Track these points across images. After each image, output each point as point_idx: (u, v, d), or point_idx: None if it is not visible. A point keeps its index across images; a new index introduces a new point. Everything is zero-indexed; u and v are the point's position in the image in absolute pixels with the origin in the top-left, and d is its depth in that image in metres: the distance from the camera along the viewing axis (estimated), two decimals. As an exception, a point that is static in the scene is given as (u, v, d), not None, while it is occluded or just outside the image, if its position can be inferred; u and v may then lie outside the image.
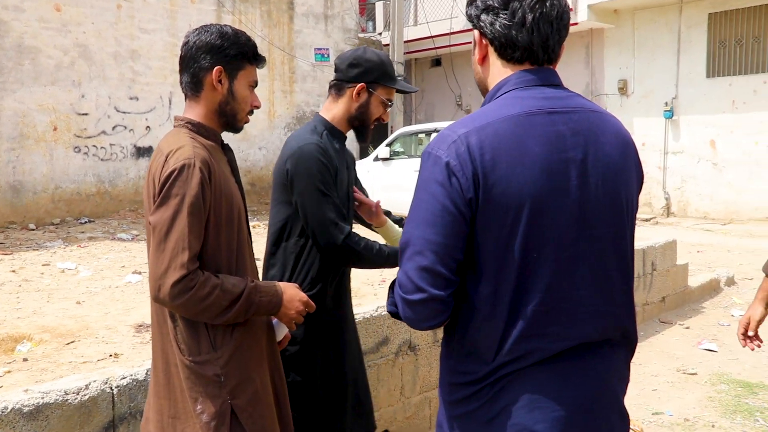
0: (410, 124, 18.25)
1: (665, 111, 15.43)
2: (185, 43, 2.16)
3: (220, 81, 2.13)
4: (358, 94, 2.67)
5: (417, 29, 18.59)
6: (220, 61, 2.12)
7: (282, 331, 2.31)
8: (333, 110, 2.73)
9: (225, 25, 2.19)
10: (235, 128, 2.23)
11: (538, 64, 1.69)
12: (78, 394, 2.61)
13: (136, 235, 10.59)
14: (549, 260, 1.59)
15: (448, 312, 1.64)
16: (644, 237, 9.25)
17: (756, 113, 13.78)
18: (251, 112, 2.25)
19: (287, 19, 15.40)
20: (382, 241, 2.80)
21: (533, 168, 1.56)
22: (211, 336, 2.05)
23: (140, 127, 12.82)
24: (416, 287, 1.60)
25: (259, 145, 14.88)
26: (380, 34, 20.14)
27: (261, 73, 12.59)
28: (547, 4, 1.65)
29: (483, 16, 1.69)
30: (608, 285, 1.66)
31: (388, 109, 2.75)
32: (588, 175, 1.61)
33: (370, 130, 2.76)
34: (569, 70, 17.08)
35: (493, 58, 1.72)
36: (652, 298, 6.78)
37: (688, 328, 6.58)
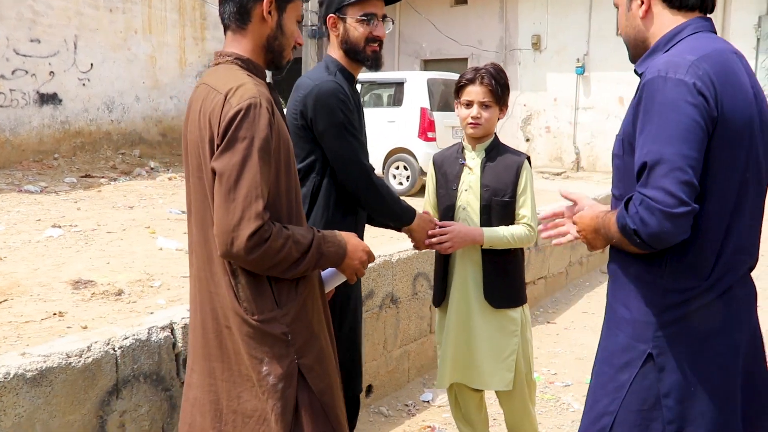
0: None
1: (577, 67, 15.78)
2: None
3: (270, 12, 1.93)
4: (334, 26, 2.60)
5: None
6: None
7: (333, 283, 2.14)
8: (332, 50, 2.66)
9: None
10: (280, 66, 2.04)
11: (705, 12, 1.89)
12: (81, 356, 2.36)
13: (45, 187, 9.95)
14: (753, 182, 1.82)
15: None
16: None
17: (662, 71, 14.36)
18: (294, 48, 2.06)
19: (198, -40, 14.66)
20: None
21: (746, 97, 1.79)
22: (275, 292, 1.87)
23: (43, 72, 11.92)
24: (679, 201, 1.65)
25: (171, 94, 14.19)
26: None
27: (171, 18, 11.92)
28: None
29: None
30: (761, 214, 1.92)
31: (384, 23, 2.63)
32: (761, 112, 1.84)
33: (371, 54, 2.62)
34: (484, 23, 17.16)
35: (660, 9, 1.88)
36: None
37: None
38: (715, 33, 1.89)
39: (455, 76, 12.65)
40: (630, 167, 1.82)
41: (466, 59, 17.51)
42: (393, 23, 2.69)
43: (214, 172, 1.78)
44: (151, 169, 12.46)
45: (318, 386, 1.91)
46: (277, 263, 1.79)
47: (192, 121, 1.89)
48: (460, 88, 2.94)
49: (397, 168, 11.71)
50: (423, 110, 11.38)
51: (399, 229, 2.74)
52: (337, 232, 2.01)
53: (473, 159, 2.95)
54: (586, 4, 15.62)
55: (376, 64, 2.63)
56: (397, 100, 11.89)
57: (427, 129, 11.43)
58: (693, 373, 1.80)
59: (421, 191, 11.83)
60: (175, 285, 5.33)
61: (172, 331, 2.67)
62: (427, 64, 18.03)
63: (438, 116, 11.48)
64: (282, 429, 1.83)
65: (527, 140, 16.82)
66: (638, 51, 1.95)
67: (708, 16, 1.90)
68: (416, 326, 4.29)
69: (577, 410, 3.96)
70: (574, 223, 2.04)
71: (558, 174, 15.51)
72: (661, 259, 1.80)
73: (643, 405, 1.83)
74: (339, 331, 2.62)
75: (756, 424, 1.91)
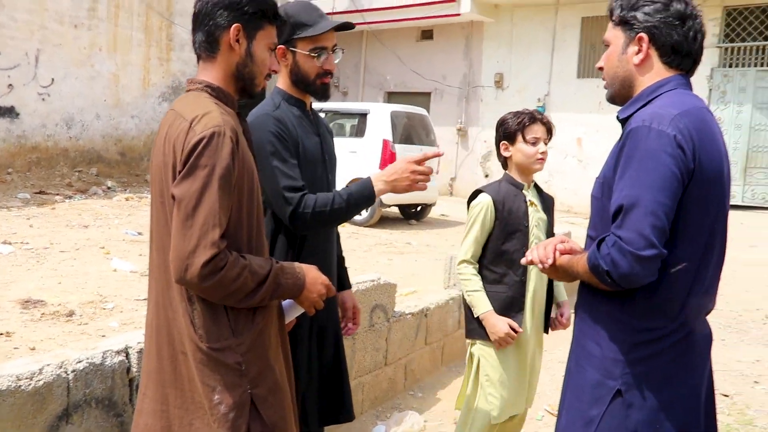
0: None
1: (538, 106, 16.03)
2: None
3: (237, 40, 1.95)
4: (283, 57, 2.52)
5: (298, 6, 18.25)
6: (238, 19, 1.94)
7: (292, 314, 2.14)
8: (280, 79, 2.60)
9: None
10: (251, 94, 2.05)
11: (687, 71, 2.02)
12: (31, 379, 2.30)
13: (-3, 202, 9.74)
14: (720, 231, 1.95)
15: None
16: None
17: (619, 115, 14.70)
18: (269, 77, 2.07)
19: (167, -18, 14.63)
20: None
21: (719, 153, 1.91)
22: (231, 321, 1.87)
23: (1, 85, 11.74)
24: (649, 243, 1.76)
25: (132, 114, 14.06)
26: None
27: (137, 37, 11.93)
28: (704, 27, 2.00)
29: (659, 26, 1.95)
30: (723, 262, 2.03)
31: (334, 55, 2.57)
32: (728, 165, 1.98)
33: (320, 86, 2.56)
34: (448, 59, 17.41)
35: (654, 61, 1.98)
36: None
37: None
38: (692, 91, 2.01)
39: (419, 110, 12.81)
40: (608, 209, 1.89)
41: (429, 93, 17.73)
42: (343, 52, 2.67)
43: (174, 198, 1.79)
44: (108, 188, 12.30)
45: (271, 417, 1.90)
46: (231, 292, 1.79)
47: (158, 146, 1.89)
48: (523, 127, 3.06)
49: (358, 198, 11.72)
50: (385, 142, 11.47)
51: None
52: (296, 264, 2.02)
53: (534, 196, 3.13)
54: (549, 46, 15.97)
55: (324, 95, 2.59)
56: (359, 131, 11.96)
57: (388, 161, 11.50)
58: (659, 411, 1.88)
59: (380, 222, 11.88)
60: (129, 308, 5.26)
61: (127, 355, 2.63)
62: (391, 97, 18.19)
63: (400, 149, 11.57)
64: None
65: (486, 176, 17.03)
66: (622, 91, 2.04)
67: (689, 74, 2.02)
68: (372, 358, 4.29)
69: (528, 448, 3.98)
70: (529, 262, 2.12)
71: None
72: (633, 299, 1.89)
73: None
74: (321, 360, 2.64)
75: None
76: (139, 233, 8.35)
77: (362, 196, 2.44)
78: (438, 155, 2.54)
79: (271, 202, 2.44)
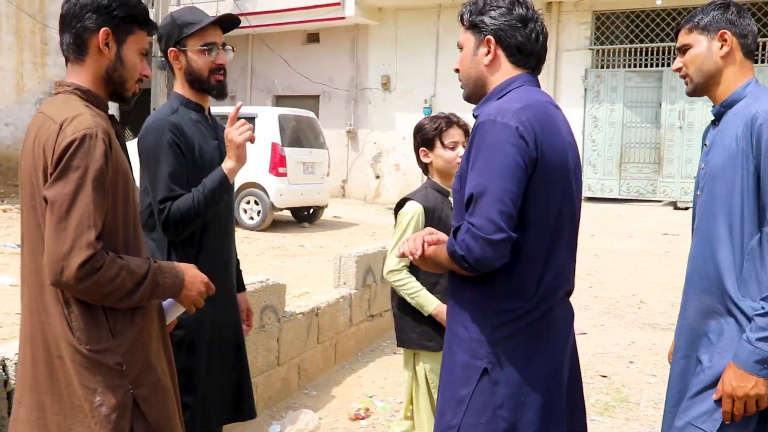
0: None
1: (425, 108, 16.36)
2: (67, 0, 1.94)
3: (107, 44, 1.94)
4: (176, 59, 2.60)
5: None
6: (107, 22, 1.93)
7: (173, 314, 2.14)
8: (178, 85, 2.67)
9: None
10: (123, 98, 2.04)
11: (533, 70, 2.15)
12: None
13: None
14: (568, 216, 2.07)
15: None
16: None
17: (502, 114, 15.22)
18: (140, 81, 2.07)
19: (39, -17, 14.04)
20: None
21: (562, 143, 2.04)
22: (110, 322, 1.86)
23: None
24: (498, 228, 1.88)
25: (6, 121, 13.42)
26: (140, 10, 19.12)
27: (7, 40, 11.50)
28: (545, 29, 2.15)
29: (504, 28, 2.09)
30: (576, 246, 2.18)
31: (224, 50, 2.64)
32: (574, 156, 2.11)
33: (215, 83, 2.62)
34: (335, 62, 17.49)
35: (503, 61, 2.12)
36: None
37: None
38: (539, 87, 2.16)
39: (307, 113, 12.83)
40: (463, 200, 2.00)
41: (318, 96, 17.75)
42: (233, 50, 2.73)
43: (46, 201, 1.77)
44: (-18, 200, 11.68)
45: (154, 417, 1.91)
46: (109, 293, 1.79)
47: (26, 149, 1.86)
48: (440, 132, 3.02)
49: (248, 203, 11.64)
50: (274, 145, 11.42)
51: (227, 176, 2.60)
52: (175, 263, 2.04)
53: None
54: (433, 49, 16.33)
55: (221, 92, 2.65)
56: (248, 135, 11.85)
57: (278, 164, 11.47)
58: (522, 385, 2.00)
59: (273, 226, 11.82)
60: (8, 322, 5.04)
61: (4, 367, 2.55)
62: (279, 100, 18.11)
63: (289, 152, 11.56)
64: None
65: (377, 177, 17.21)
66: (476, 90, 2.17)
67: (535, 72, 2.17)
68: (263, 359, 4.29)
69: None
70: (402, 255, 2.20)
71: (406, 210, 15.95)
72: (492, 283, 2.01)
73: (481, 418, 2.00)
74: (221, 358, 2.66)
75: None
76: (18, 245, 7.98)
77: (216, 182, 2.51)
78: (238, 107, 2.61)
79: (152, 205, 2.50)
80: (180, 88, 2.64)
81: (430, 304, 2.96)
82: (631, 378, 5.20)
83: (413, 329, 3.05)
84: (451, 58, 15.95)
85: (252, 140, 2.57)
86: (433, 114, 3.19)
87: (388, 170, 17.19)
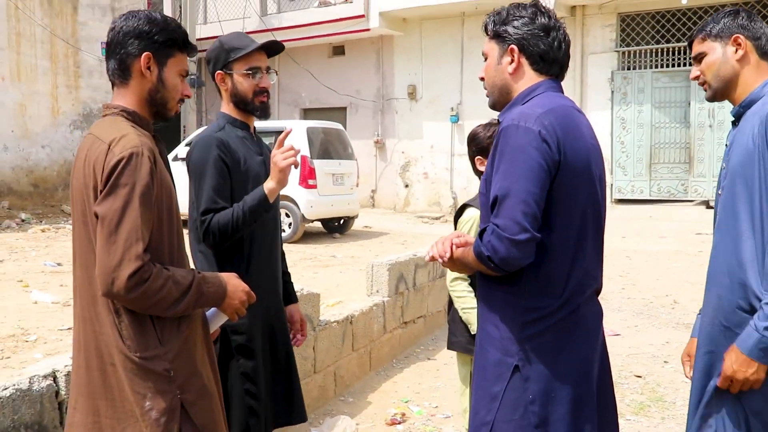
0: (202, 124, 17.81)
1: (451, 116, 16.46)
2: (112, 29, 2.08)
3: (149, 68, 2.06)
4: (222, 82, 2.78)
5: (207, 27, 18.17)
6: (148, 47, 2.06)
7: (217, 323, 2.25)
8: (224, 105, 2.84)
9: (154, 11, 2.13)
10: (165, 117, 2.16)
11: (557, 76, 2.24)
12: (-40, 407, 2.33)
13: None
14: (593, 217, 2.14)
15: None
16: (442, 235, 9.81)
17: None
18: (182, 101, 2.20)
19: (71, 9, 14.38)
20: None
21: (585, 145, 2.12)
22: (158, 331, 1.97)
23: None
24: (522, 228, 1.96)
25: (42, 144, 13.74)
26: (168, 30, 19.47)
27: (42, 65, 11.82)
28: (567, 36, 2.24)
29: (526, 37, 2.18)
30: (602, 246, 2.25)
31: (268, 74, 2.80)
32: (597, 158, 2.18)
33: (259, 104, 2.78)
34: (361, 74, 17.64)
35: (527, 69, 2.21)
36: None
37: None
38: (562, 93, 2.24)
39: (335, 125, 12.96)
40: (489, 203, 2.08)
41: (345, 108, 17.91)
42: (276, 74, 2.88)
43: (97, 216, 1.89)
44: (22, 221, 11.98)
45: (201, 420, 2.01)
46: (157, 302, 1.90)
47: (77, 169, 1.98)
48: (487, 146, 3.06)
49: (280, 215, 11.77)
50: (303, 158, 11.55)
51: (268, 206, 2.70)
52: (218, 273, 2.15)
53: None
54: (458, 57, 16.41)
55: (264, 113, 2.81)
56: (278, 149, 12.01)
57: (308, 176, 11.60)
58: (552, 381, 2.07)
59: (304, 237, 11.95)
60: (53, 338, 5.20)
61: (55, 379, 2.66)
62: (307, 113, 18.30)
63: (318, 164, 11.69)
64: None
65: (406, 186, 17.29)
66: (501, 98, 2.25)
67: (558, 78, 2.25)
68: (300, 367, 4.28)
69: (456, 440, 4.16)
70: (432, 258, 2.29)
71: (437, 218, 16.00)
72: (520, 282, 2.08)
73: (514, 414, 2.07)
74: (273, 365, 2.79)
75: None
76: (59, 264, 8.20)
77: (256, 201, 2.61)
78: (287, 133, 2.70)
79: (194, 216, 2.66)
80: (226, 108, 2.81)
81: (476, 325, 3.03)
82: (666, 378, 5.20)
83: (462, 333, 3.19)
84: (475, 66, 16.00)
85: (296, 165, 2.69)
86: (487, 122, 3.24)
87: (416, 179, 17.26)
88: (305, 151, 11.60)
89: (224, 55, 2.75)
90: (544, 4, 2.27)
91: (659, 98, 14.60)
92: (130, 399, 1.94)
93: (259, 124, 10.99)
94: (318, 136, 12.02)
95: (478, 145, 3.16)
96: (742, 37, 2.33)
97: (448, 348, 3.31)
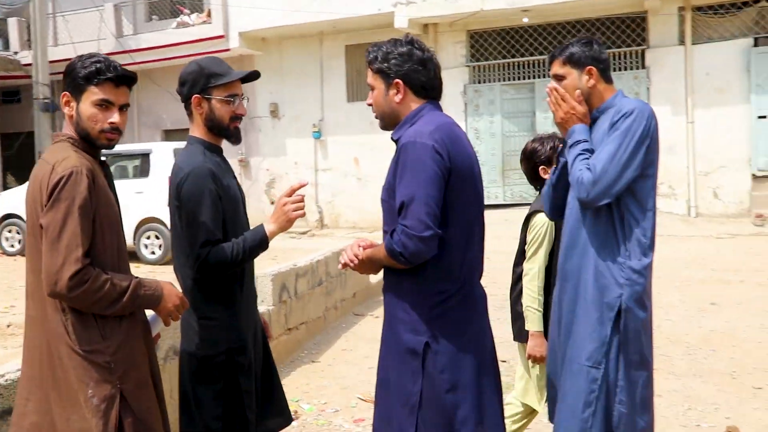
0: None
1: (314, 132, 16.92)
2: None
3: (67, 104, 2.36)
4: (199, 106, 2.76)
5: (59, 50, 17.63)
6: (67, 87, 2.36)
7: (157, 327, 2.54)
8: (196, 128, 2.82)
9: (86, 54, 2.38)
10: (95, 145, 2.37)
11: (435, 98, 2.65)
12: None
13: None
14: (477, 215, 2.59)
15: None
16: (311, 248, 10.21)
17: (389, 134, 15.79)
18: (116, 130, 2.37)
19: None
20: None
21: (467, 154, 2.54)
22: (100, 327, 2.26)
23: None
24: (427, 227, 2.36)
25: None
26: (16, 53, 18.77)
27: None
28: (438, 63, 2.65)
29: (408, 72, 2.56)
30: (483, 238, 2.67)
31: (243, 101, 2.83)
32: (476, 165, 2.61)
33: (233, 130, 2.81)
34: (222, 94, 17.66)
35: (410, 96, 2.59)
36: (346, 294, 7.68)
37: (377, 317, 7.58)
38: (442, 111, 2.65)
39: (201, 145, 12.99)
40: (394, 208, 2.47)
41: (207, 128, 17.87)
42: (248, 101, 2.91)
43: (41, 227, 2.18)
44: None
45: (138, 408, 2.31)
46: (96, 301, 2.20)
47: (30, 189, 2.28)
48: (556, 150, 3.42)
49: (149, 238, 11.75)
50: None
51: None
52: (156, 279, 2.45)
53: None
54: (318, 75, 16.90)
55: (238, 138, 2.85)
56: (143, 171, 11.99)
57: (176, 197, 11.59)
58: (457, 352, 2.48)
59: (175, 258, 11.90)
60: None
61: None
62: (169, 135, 18.14)
63: (187, 184, 11.71)
64: None
65: (272, 203, 17.49)
66: (390, 121, 2.62)
67: (437, 99, 2.65)
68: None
69: (347, 429, 4.53)
70: (355, 255, 2.61)
71: (303, 233, 16.31)
72: (425, 271, 2.47)
73: (433, 385, 2.47)
74: (251, 371, 2.81)
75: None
76: None
77: (256, 241, 2.71)
78: (303, 185, 2.77)
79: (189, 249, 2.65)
80: (198, 131, 2.81)
81: (535, 325, 3.42)
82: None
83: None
84: (336, 83, 16.61)
85: (304, 216, 2.79)
86: (537, 136, 3.67)
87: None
88: (173, 172, 11.60)
89: (204, 80, 2.74)
90: (413, 37, 2.63)
91: (508, 109, 15.69)
92: (75, 388, 2.21)
93: (119, 147, 10.92)
94: (185, 157, 12.03)
95: (540, 158, 3.56)
96: (594, 69, 2.87)
97: (515, 340, 3.69)
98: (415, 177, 2.40)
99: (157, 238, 11.66)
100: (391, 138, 2.61)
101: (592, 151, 2.79)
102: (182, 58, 17.00)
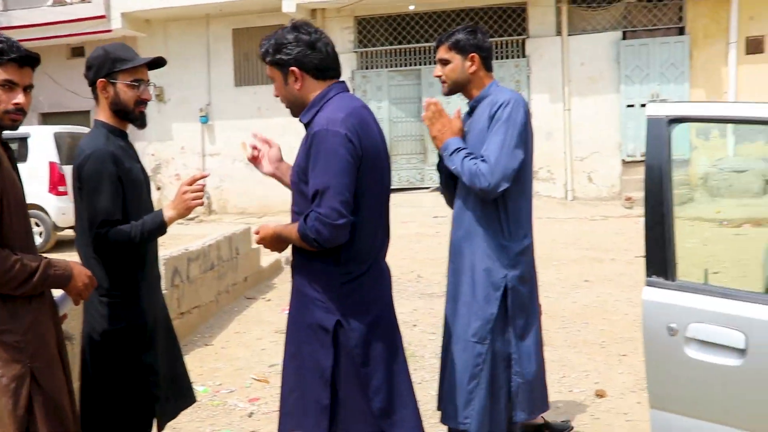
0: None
1: (201, 116, 16.66)
2: None
3: None
4: (104, 89, 2.81)
5: None
6: None
7: (65, 307, 2.57)
8: (101, 112, 2.88)
9: None
10: (2, 127, 2.41)
11: (335, 77, 2.66)
12: None
13: None
14: (384, 198, 2.69)
15: None
16: (200, 234, 10.15)
17: (278, 118, 15.43)
18: (21, 111, 2.43)
19: None
20: None
21: (376, 140, 2.61)
22: (9, 307, 2.29)
23: None
24: (340, 214, 2.44)
25: None
26: None
27: None
28: (330, 40, 2.64)
29: (299, 57, 2.56)
30: (388, 220, 2.75)
31: (149, 87, 2.89)
32: (384, 151, 2.67)
33: (138, 114, 2.87)
34: (104, 76, 17.10)
35: (309, 81, 2.60)
36: (238, 278, 7.71)
37: (269, 300, 7.68)
38: (350, 93, 2.69)
39: (82, 129, 12.58)
40: (304, 191, 2.56)
41: (88, 111, 17.24)
42: (155, 87, 2.98)
43: None
44: None
45: (48, 386, 2.35)
46: (6, 281, 2.24)
47: None
48: None
49: (28, 225, 11.29)
50: (52, 165, 11.21)
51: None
52: (65, 260, 2.48)
53: None
54: (205, 58, 16.63)
55: (143, 122, 2.90)
56: (21, 156, 11.43)
57: (58, 183, 11.28)
58: (369, 328, 2.58)
59: (58, 246, 11.55)
60: None
61: None
62: (47, 118, 17.42)
63: (68, 170, 11.33)
64: (14, 423, 2.24)
65: (158, 188, 17.13)
66: (298, 108, 2.64)
67: (342, 80, 2.69)
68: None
69: (242, 408, 4.64)
70: (257, 233, 2.72)
71: (191, 219, 16.05)
72: (338, 254, 2.55)
73: (349, 360, 2.56)
74: (154, 349, 2.88)
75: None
76: None
77: (155, 225, 2.78)
78: (205, 176, 2.89)
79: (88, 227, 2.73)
80: (103, 115, 2.86)
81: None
82: (416, 338, 6.07)
83: None
84: (223, 67, 16.43)
85: (202, 204, 2.87)
86: None
87: (168, 181, 17.20)
88: (54, 157, 11.24)
89: (109, 65, 2.79)
90: (298, 21, 2.64)
91: (395, 95, 15.99)
92: None
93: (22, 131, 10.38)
94: (65, 141, 11.68)
95: None
96: (477, 56, 3.10)
97: None
98: (329, 166, 2.45)
99: (38, 225, 11.25)
100: (300, 120, 2.63)
101: (474, 155, 3.05)
102: (61, 38, 16.41)
